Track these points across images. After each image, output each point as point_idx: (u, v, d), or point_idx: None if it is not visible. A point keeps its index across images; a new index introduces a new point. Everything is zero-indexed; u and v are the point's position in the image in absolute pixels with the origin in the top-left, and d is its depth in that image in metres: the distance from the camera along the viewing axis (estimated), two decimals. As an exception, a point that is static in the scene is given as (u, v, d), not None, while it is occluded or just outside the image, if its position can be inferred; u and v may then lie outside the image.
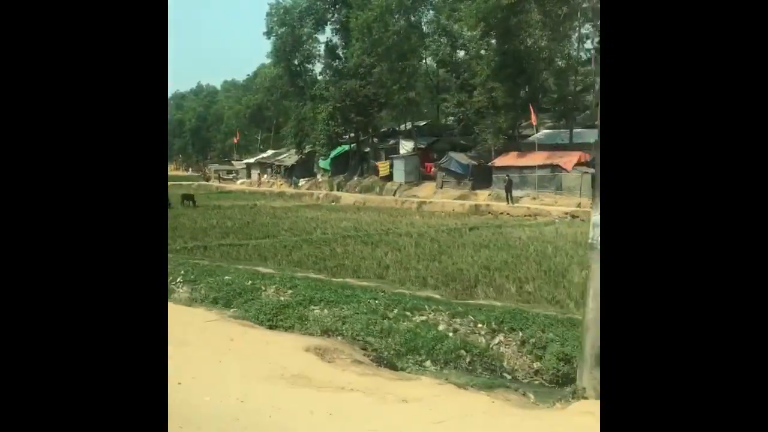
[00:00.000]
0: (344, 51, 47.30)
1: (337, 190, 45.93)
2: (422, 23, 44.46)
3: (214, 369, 6.65)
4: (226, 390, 5.86)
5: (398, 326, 8.68)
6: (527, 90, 36.41)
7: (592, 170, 32.14)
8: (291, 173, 56.65)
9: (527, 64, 35.33)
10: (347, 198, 41.08)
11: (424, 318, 8.95)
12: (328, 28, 50.15)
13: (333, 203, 40.06)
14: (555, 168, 33.17)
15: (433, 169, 40.23)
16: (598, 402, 6.35)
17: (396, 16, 41.12)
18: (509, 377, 7.70)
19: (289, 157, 58.93)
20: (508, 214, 30.54)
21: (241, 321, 8.62)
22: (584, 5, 38.48)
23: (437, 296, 10.02)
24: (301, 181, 54.12)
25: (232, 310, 9.81)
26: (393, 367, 7.28)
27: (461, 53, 41.67)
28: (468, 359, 7.91)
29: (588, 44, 39.96)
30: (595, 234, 6.20)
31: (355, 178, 46.06)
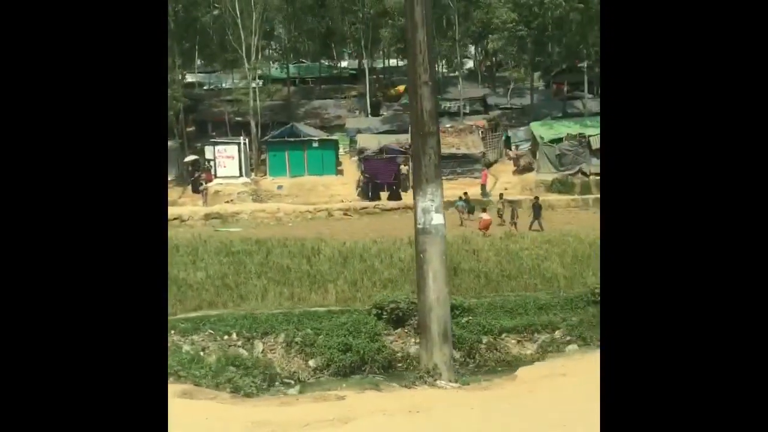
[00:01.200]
0: None
1: None
2: None
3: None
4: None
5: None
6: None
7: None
8: None
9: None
10: None
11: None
12: None
13: None
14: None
15: None
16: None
17: None
18: (292, 382, 7.26)
19: None
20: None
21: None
22: None
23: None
24: None
25: None
26: (249, 396, 5.96)
27: None
28: (240, 374, 7.05)
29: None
30: (426, 219, 6.40)
31: None
